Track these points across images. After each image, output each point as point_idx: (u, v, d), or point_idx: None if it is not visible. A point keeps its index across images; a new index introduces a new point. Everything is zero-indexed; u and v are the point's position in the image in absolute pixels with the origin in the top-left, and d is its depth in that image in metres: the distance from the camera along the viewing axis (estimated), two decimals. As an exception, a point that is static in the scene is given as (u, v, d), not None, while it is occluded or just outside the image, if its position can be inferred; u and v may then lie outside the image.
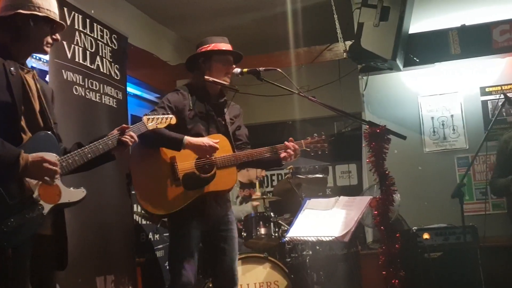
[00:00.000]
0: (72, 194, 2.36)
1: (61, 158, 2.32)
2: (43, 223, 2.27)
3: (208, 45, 3.41)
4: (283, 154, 3.34)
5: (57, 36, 2.49)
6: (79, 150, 2.40)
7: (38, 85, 2.44)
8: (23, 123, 2.30)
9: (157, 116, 2.87)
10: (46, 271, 2.40)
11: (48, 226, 2.35)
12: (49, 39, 2.45)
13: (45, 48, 2.46)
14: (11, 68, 2.29)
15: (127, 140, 2.55)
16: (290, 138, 3.41)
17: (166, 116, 2.93)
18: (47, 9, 2.41)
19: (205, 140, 3.20)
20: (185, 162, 3.23)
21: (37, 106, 2.39)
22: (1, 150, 2.11)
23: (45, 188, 2.25)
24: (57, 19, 2.47)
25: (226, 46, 3.44)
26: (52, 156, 2.26)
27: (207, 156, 3.22)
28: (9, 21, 2.35)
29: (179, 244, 3.28)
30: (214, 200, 3.34)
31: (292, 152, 3.32)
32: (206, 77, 3.36)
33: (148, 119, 2.80)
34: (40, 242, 2.31)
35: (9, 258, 2.14)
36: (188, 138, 3.18)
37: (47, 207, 2.24)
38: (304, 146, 3.43)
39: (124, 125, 2.61)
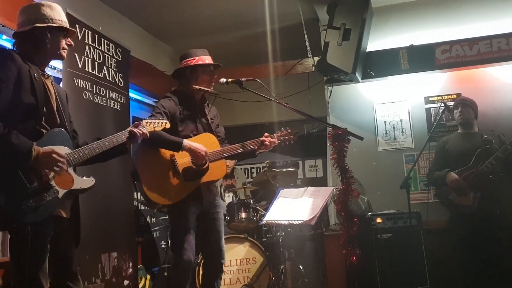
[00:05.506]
0: (83, 182, 2.37)
1: (72, 151, 2.31)
2: (59, 205, 2.26)
3: (192, 58, 3.35)
4: (262, 147, 3.37)
5: (70, 41, 2.47)
6: (88, 145, 2.39)
7: (54, 89, 2.43)
8: (43, 121, 2.29)
9: (154, 121, 2.84)
10: (66, 249, 2.40)
11: (67, 210, 2.35)
12: (64, 45, 2.43)
13: (62, 53, 2.44)
14: (35, 74, 2.28)
15: (135, 131, 2.56)
16: (266, 134, 3.44)
17: (161, 121, 2.89)
18: (59, 20, 2.40)
19: (201, 148, 3.15)
20: (183, 158, 3.18)
21: (54, 107, 2.38)
22: (16, 141, 2.11)
23: (60, 176, 2.24)
24: (68, 26, 2.44)
25: (208, 59, 3.39)
26: (61, 149, 2.26)
27: (202, 161, 3.17)
28: (28, 35, 2.33)
29: (180, 228, 3.21)
30: (207, 188, 3.31)
31: (268, 144, 3.38)
32: (194, 86, 3.33)
33: (147, 123, 2.76)
34: (61, 223, 2.32)
35: (28, 235, 2.15)
36: (187, 142, 3.13)
37: (61, 192, 2.25)
38: (276, 138, 3.46)
39: (137, 122, 2.66)
